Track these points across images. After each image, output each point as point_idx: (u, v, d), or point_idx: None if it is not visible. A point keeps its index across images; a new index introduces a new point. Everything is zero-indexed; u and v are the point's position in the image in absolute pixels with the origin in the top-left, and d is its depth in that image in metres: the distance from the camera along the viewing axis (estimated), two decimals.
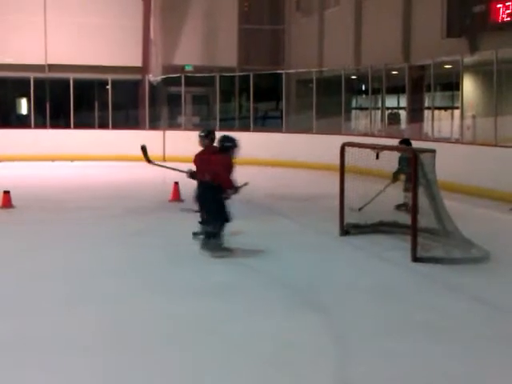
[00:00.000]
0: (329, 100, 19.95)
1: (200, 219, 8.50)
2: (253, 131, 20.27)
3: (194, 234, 8.61)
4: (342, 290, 6.54)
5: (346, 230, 9.02)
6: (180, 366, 4.57)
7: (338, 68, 19.29)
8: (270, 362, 4.64)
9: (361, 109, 23.14)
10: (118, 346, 4.93)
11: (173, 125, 22.50)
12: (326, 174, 15.36)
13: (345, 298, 6.24)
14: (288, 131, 20.00)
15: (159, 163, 9.30)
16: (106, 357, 4.70)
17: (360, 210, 9.81)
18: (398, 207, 10.45)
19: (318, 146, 17.82)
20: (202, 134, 8.35)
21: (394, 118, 20.13)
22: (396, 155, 10.08)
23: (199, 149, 8.36)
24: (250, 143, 19.57)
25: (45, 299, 6.12)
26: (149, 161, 9.04)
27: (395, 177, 10.43)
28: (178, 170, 8.86)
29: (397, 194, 10.31)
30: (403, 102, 19.35)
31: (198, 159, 8.23)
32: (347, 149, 9.06)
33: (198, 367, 4.54)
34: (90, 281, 6.76)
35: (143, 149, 8.94)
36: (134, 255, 7.95)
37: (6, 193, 11.02)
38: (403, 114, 19.38)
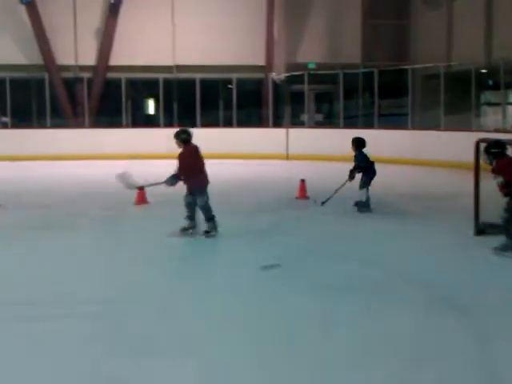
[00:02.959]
0: (457, 95, 19.26)
1: (187, 214, 8.66)
2: (378, 128, 19.94)
3: (184, 229, 8.71)
4: (480, 289, 6.29)
5: (482, 230, 8.65)
6: (315, 362, 4.53)
7: (467, 62, 18.57)
8: (407, 361, 4.52)
9: (491, 104, 22.18)
10: (253, 341, 4.96)
11: (296, 123, 22.55)
12: (457, 172, 14.89)
13: (484, 298, 6.00)
14: (414, 128, 19.50)
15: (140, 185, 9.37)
16: (241, 351, 4.75)
17: (323, 204, 10.78)
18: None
19: (447, 143, 17.24)
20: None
21: None
22: None
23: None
24: (375, 141, 19.37)
25: (175, 294, 6.26)
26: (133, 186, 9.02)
27: (351, 175, 10.49)
28: (158, 184, 8.99)
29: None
30: None
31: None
32: (482, 145, 8.69)
33: (333, 365, 4.49)
34: (220, 276, 6.86)
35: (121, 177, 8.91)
36: (263, 252, 8.00)
37: (141, 189, 11.41)
38: None
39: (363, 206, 10.42)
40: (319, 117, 23.90)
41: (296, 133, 21.29)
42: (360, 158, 10.53)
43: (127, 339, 4.98)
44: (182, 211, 11.01)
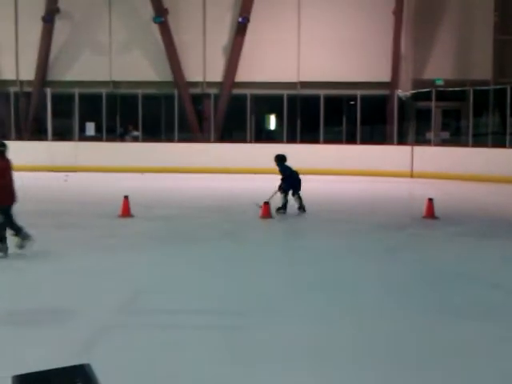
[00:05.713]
0: None
1: (13, 232, 8.14)
2: (510, 147, 19.06)
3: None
4: None
5: None
6: None
7: None
8: None
9: None
10: (393, 360, 4.84)
11: (421, 140, 22.02)
12: None
13: None
14: None
15: None
16: (378, 370, 4.65)
17: (261, 207, 11.78)
18: (278, 210, 12.06)
19: None
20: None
21: None
22: None
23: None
24: (508, 160, 18.58)
25: (303, 310, 6.23)
26: None
27: (279, 185, 12.18)
28: None
29: None
30: None
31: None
32: None
33: None
34: (348, 294, 6.76)
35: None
36: (392, 271, 7.83)
37: (266, 203, 11.60)
38: None
39: (279, 209, 12.03)
40: (446, 135, 23.20)
41: (421, 151, 20.81)
42: (281, 170, 12.33)
43: (264, 352, 5.00)
44: (302, 225, 11.07)
